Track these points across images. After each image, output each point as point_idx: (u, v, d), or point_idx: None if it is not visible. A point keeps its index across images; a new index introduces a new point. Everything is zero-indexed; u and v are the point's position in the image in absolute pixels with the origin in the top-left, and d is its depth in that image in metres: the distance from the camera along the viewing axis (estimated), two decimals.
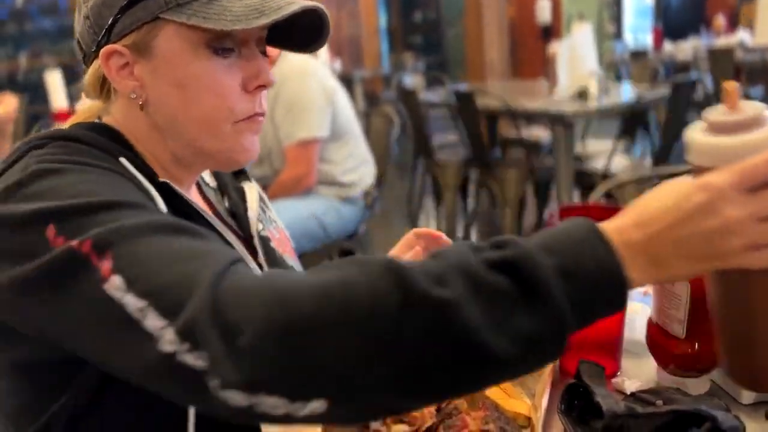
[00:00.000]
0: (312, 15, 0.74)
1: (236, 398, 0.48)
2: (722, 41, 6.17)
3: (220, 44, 0.72)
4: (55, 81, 3.09)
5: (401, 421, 0.67)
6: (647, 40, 8.30)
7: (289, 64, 2.46)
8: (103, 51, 0.72)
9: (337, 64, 5.98)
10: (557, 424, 0.76)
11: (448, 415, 0.67)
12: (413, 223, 4.37)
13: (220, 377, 0.48)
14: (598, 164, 3.47)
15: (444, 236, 1.06)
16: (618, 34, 9.18)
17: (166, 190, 0.73)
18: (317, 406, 0.48)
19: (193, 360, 0.49)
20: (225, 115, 0.74)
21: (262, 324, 0.48)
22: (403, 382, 0.49)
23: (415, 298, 0.49)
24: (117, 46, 0.72)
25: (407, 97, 3.97)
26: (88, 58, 0.75)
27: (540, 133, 4.21)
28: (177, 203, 0.75)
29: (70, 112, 3.13)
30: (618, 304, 0.53)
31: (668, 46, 6.74)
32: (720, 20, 7.03)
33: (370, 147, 2.79)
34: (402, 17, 10.51)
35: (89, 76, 0.77)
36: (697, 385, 0.81)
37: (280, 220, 1.02)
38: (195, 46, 0.72)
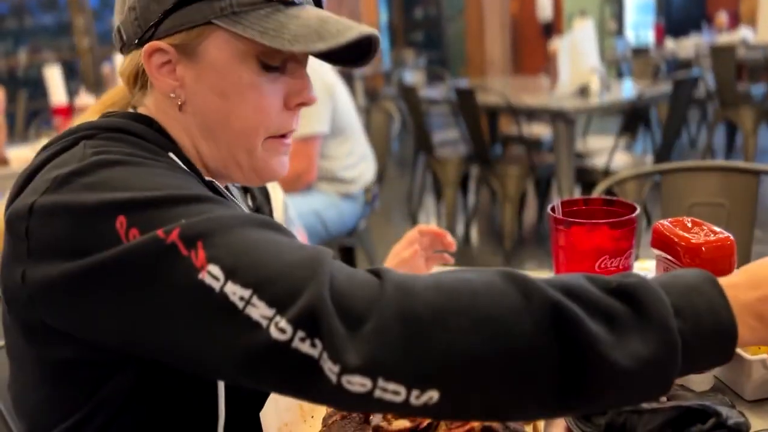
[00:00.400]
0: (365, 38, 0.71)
1: (357, 383, 0.48)
2: (724, 38, 6.16)
3: (270, 59, 0.70)
4: (54, 76, 3.08)
5: (403, 417, 0.66)
6: (649, 36, 8.29)
7: None
8: (147, 47, 0.69)
9: None
10: (560, 421, 0.75)
11: None
12: (413, 219, 4.36)
13: (340, 363, 0.48)
14: (599, 161, 3.46)
15: (448, 234, 1.06)
16: (619, 31, 9.17)
17: (211, 189, 0.71)
18: (433, 395, 0.49)
19: (308, 347, 0.49)
20: (262, 130, 0.73)
21: (387, 311, 0.49)
22: (519, 383, 0.49)
23: (537, 300, 0.50)
24: (162, 44, 0.69)
25: (408, 93, 3.96)
26: (127, 48, 0.73)
27: (541, 130, 4.21)
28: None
29: (70, 108, 3.12)
30: (723, 358, 0.54)
31: (670, 43, 6.73)
32: (722, 17, 7.02)
33: (371, 143, 2.78)
34: (403, 14, 10.50)
35: (126, 66, 0.74)
36: (701, 382, 0.80)
37: (297, 219, 1.01)
38: (244, 57, 0.69)
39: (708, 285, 0.54)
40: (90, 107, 0.80)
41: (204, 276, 0.52)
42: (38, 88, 4.52)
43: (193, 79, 0.70)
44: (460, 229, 4.12)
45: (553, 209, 0.86)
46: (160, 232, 0.54)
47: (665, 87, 3.62)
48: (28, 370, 0.67)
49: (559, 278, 0.53)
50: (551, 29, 8.70)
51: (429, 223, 4.40)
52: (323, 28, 0.68)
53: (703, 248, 0.74)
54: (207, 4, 0.67)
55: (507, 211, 3.56)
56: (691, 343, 0.51)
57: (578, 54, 3.61)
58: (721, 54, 4.58)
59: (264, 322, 0.50)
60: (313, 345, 0.49)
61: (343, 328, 0.49)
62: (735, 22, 7.21)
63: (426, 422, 0.66)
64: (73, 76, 6.13)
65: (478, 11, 7.70)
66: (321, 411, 0.79)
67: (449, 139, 4.41)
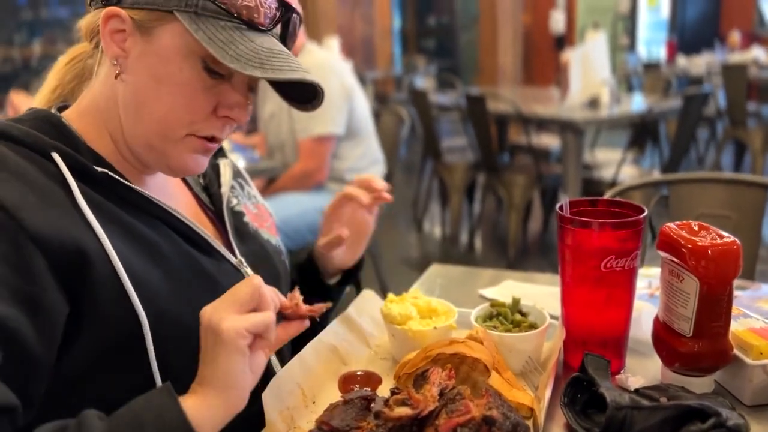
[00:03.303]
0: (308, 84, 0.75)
1: None
2: (736, 57, 6.16)
3: (215, 66, 0.73)
4: None
5: (404, 404, 0.66)
6: (661, 53, 8.29)
7: (312, 57, 2.47)
8: (107, 11, 0.73)
9: (349, 65, 6.00)
10: (559, 417, 0.76)
11: (451, 400, 0.67)
12: (418, 224, 4.36)
13: None
14: (606, 173, 3.46)
15: (374, 181, 1.02)
16: (632, 47, 9.18)
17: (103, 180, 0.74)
18: None
19: None
20: (184, 126, 0.75)
21: None
22: None
23: None
24: (122, 13, 0.73)
25: (418, 98, 3.97)
26: (95, 3, 0.77)
27: (549, 141, 4.21)
28: (122, 191, 0.75)
29: None
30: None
31: (682, 60, 6.74)
32: (735, 36, 7.02)
33: (380, 146, 2.79)
34: (416, 21, 10.52)
35: (88, 20, 0.79)
36: (702, 385, 0.80)
37: (260, 197, 1.04)
38: (191, 54, 0.72)
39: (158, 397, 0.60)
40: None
41: None
42: None
43: (138, 55, 0.74)
44: (464, 235, 4.12)
45: (561, 208, 0.87)
46: None
47: (675, 102, 3.62)
48: None
49: None
50: (563, 42, 8.71)
51: (434, 228, 4.40)
52: (268, 60, 0.72)
53: (709, 251, 0.74)
54: None
55: (512, 220, 3.56)
56: None
57: (590, 65, 3.62)
58: (732, 72, 4.58)
59: None
60: None
61: None
62: (748, 41, 7.21)
63: (428, 410, 0.66)
64: None
65: (492, 21, 7.72)
66: (322, 397, 0.80)
67: (457, 145, 4.42)
